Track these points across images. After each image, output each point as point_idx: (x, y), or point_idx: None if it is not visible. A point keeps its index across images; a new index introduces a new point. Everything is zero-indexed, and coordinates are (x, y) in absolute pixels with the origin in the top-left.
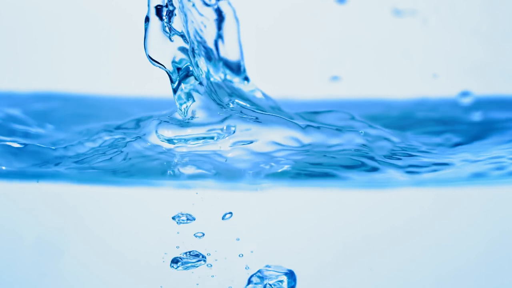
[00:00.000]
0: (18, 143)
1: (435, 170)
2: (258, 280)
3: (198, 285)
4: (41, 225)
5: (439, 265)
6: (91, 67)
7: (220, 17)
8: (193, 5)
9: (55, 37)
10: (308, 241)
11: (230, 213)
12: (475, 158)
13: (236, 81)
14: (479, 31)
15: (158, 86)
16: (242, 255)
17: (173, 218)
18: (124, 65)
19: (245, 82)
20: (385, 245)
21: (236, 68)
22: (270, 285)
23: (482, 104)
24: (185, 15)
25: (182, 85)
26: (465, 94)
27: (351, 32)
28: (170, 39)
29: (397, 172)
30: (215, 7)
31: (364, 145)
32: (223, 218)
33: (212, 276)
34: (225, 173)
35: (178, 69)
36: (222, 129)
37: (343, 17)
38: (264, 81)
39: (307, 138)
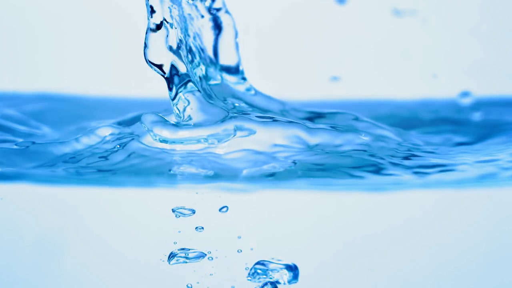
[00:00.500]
0: (15, 144)
1: (442, 171)
2: (260, 272)
3: (198, 284)
4: (39, 225)
5: (444, 266)
6: (89, 68)
7: (218, 25)
8: (190, 15)
9: (52, 37)
10: (310, 241)
11: (226, 206)
12: (480, 159)
13: (234, 81)
14: (479, 31)
15: (158, 87)
16: (241, 251)
17: (173, 210)
18: (123, 65)
19: (242, 80)
20: (388, 247)
21: (234, 71)
22: (273, 282)
23: (482, 104)
24: (185, 23)
25: (180, 94)
26: (465, 94)
27: (351, 32)
28: (169, 47)
29: (403, 173)
30: (213, 15)
31: (368, 145)
32: (220, 210)
33: (211, 274)
34: (224, 173)
35: (176, 74)
36: (219, 132)
37: (343, 17)
38: (264, 81)
39: (306, 139)
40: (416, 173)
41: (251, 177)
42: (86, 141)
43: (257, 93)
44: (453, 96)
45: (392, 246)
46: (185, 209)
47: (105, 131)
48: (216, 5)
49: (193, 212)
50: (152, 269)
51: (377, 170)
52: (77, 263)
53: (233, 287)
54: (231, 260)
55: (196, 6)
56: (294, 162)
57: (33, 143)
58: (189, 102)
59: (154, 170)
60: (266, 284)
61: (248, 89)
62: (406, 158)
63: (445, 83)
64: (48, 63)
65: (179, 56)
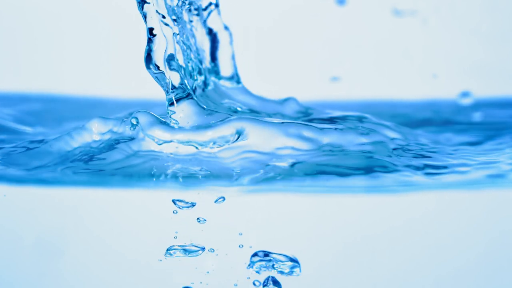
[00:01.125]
0: (14, 146)
1: (450, 172)
2: (261, 264)
3: (201, 284)
4: (39, 226)
5: (446, 267)
6: (86, 69)
7: (215, 40)
8: (186, 31)
9: (50, 37)
10: (312, 242)
11: (222, 197)
12: (489, 159)
13: (229, 85)
14: (479, 31)
15: (156, 88)
16: (243, 246)
17: (173, 201)
18: (121, 66)
19: (236, 83)
20: (390, 247)
21: (230, 78)
22: (276, 280)
23: (482, 104)
24: (185, 35)
25: (179, 103)
26: (465, 94)
27: (351, 32)
28: (167, 58)
29: (409, 174)
30: (208, 25)
31: (380, 143)
32: (216, 201)
33: (208, 273)
34: (222, 175)
35: (174, 86)
36: (218, 136)
37: (343, 17)
38: (264, 82)
39: (307, 140)
40: (425, 174)
41: (249, 179)
42: (81, 138)
43: (254, 95)
44: (453, 96)
45: (394, 247)
46: (185, 202)
47: (100, 127)
48: (212, 21)
49: (193, 205)
50: (152, 268)
51: (383, 170)
52: (77, 263)
53: (235, 285)
54: (232, 258)
55: (193, 23)
56: (292, 165)
57: (33, 143)
58: (186, 109)
59: (152, 171)
60: (268, 279)
61: (243, 91)
62: (414, 158)
63: (445, 83)
64: (45, 63)
65: (177, 67)
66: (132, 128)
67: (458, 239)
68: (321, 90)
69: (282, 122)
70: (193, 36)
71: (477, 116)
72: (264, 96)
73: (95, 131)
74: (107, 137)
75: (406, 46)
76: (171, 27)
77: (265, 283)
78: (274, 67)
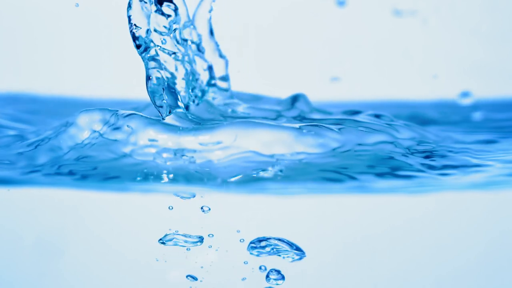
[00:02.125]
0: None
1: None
2: (264, 247)
3: (201, 282)
4: (39, 227)
5: (447, 267)
6: (86, 69)
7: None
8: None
9: (48, 38)
10: (314, 242)
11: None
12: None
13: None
14: (479, 31)
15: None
16: (244, 240)
17: (175, 194)
18: (121, 66)
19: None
20: (391, 248)
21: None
22: (278, 271)
23: (482, 104)
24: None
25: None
26: (465, 94)
27: (351, 32)
28: (166, 90)
29: (426, 175)
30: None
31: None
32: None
33: (202, 267)
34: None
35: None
36: (216, 139)
37: (343, 17)
38: (264, 82)
39: (295, 141)
40: (440, 174)
41: (241, 181)
42: (73, 136)
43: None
44: (453, 96)
45: (395, 247)
46: (185, 192)
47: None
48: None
49: (193, 196)
50: (151, 266)
51: (390, 171)
52: (76, 263)
53: (244, 279)
54: (232, 255)
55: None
56: (281, 170)
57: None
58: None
59: (150, 173)
60: (271, 271)
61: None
62: (427, 157)
63: (445, 83)
64: (45, 63)
65: (176, 92)
66: (121, 125)
67: (469, 241)
68: (321, 90)
69: (289, 125)
70: (190, 59)
71: (477, 116)
72: (265, 96)
73: (87, 127)
74: (97, 135)
75: (406, 46)
76: (167, 51)
77: (267, 275)
78: (273, 67)
